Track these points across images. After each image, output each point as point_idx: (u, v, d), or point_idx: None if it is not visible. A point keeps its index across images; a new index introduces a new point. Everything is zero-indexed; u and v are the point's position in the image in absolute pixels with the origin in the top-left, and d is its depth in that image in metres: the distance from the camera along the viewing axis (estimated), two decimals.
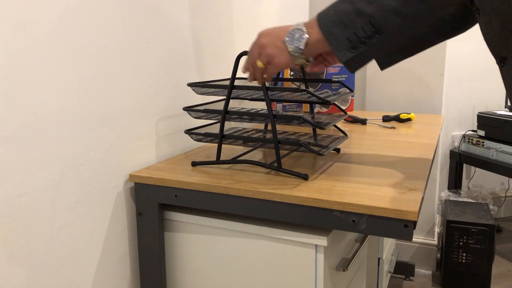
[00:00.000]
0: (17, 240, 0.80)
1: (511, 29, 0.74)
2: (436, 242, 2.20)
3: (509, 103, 2.55)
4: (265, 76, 0.92)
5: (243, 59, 1.58)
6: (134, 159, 1.07)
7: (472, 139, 2.44)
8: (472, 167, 2.85)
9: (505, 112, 2.34)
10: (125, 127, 1.04)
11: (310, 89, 0.99)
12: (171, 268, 1.07)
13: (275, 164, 0.99)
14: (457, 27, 1.06)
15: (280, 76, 1.55)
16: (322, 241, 0.87)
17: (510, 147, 2.21)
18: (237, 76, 1.44)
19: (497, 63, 0.80)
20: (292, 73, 1.70)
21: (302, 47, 0.83)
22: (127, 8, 1.01)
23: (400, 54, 1.10)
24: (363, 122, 1.65)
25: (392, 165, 1.05)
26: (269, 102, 0.96)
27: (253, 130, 1.24)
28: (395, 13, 0.74)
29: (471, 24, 1.07)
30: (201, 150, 1.25)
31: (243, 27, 1.54)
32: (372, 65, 2.18)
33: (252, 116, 1.00)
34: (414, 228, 0.77)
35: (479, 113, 2.40)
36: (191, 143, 1.29)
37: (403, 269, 2.16)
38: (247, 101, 1.52)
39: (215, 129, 1.14)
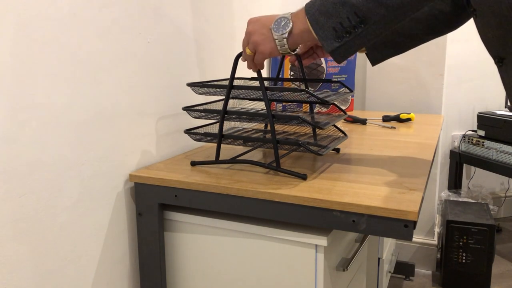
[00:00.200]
0: (17, 240, 0.80)
1: (508, 29, 0.75)
2: (436, 242, 2.20)
3: (509, 103, 2.55)
4: (255, 63, 0.94)
5: None
6: (134, 159, 1.07)
7: (472, 139, 2.44)
8: (472, 167, 2.85)
9: (505, 112, 2.34)
10: (125, 127, 1.04)
11: (310, 89, 0.99)
12: (171, 268, 1.07)
13: (274, 164, 0.99)
14: (449, 25, 1.07)
15: (280, 75, 1.55)
16: (322, 241, 0.87)
17: (510, 147, 2.21)
18: (236, 75, 1.44)
19: (495, 63, 0.81)
20: (292, 73, 1.70)
21: (286, 35, 0.85)
22: (127, 8, 1.01)
23: (391, 50, 1.11)
24: (363, 122, 1.65)
25: (392, 165, 1.05)
26: (268, 102, 0.96)
27: (252, 130, 1.24)
28: (379, 4, 0.75)
29: (463, 21, 1.08)
30: (201, 150, 1.25)
31: (243, 27, 1.54)
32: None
33: (251, 116, 1.01)
34: (414, 228, 0.77)
35: (479, 113, 2.40)
36: (191, 143, 1.29)
37: (403, 269, 2.16)
38: (247, 101, 1.52)
39: (215, 129, 1.14)
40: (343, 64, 1.74)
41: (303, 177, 0.95)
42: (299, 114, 1.01)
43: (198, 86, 1.05)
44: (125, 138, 1.04)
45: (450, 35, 2.18)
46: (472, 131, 2.58)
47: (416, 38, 1.08)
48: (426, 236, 2.21)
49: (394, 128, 1.56)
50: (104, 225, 0.99)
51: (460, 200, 2.30)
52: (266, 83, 1.51)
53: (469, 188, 2.82)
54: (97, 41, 0.94)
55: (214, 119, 1.08)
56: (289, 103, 1.68)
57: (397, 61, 2.13)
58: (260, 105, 1.62)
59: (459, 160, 2.51)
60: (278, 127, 1.44)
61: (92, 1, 0.92)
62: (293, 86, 1.59)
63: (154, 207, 1.01)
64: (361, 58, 2.30)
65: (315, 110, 1.74)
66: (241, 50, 1.55)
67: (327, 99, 0.96)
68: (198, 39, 1.30)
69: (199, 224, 1.00)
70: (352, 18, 0.77)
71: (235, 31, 1.50)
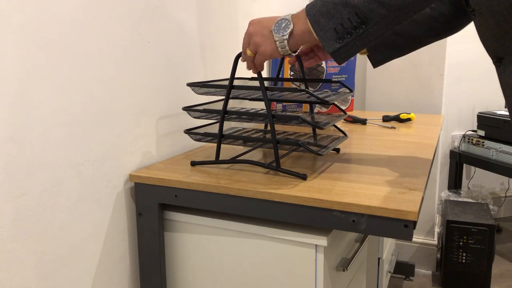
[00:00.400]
0: (17, 240, 0.80)
1: (507, 29, 0.75)
2: (436, 242, 2.20)
3: None
4: (256, 64, 0.94)
5: None
6: (134, 159, 1.07)
7: (472, 139, 2.44)
8: (472, 167, 2.85)
9: (505, 112, 2.34)
10: (125, 127, 1.04)
11: (310, 89, 0.99)
12: (171, 268, 1.07)
13: (274, 164, 0.99)
14: (450, 27, 1.07)
15: (280, 76, 1.55)
16: (322, 241, 0.87)
17: (510, 147, 2.21)
18: (236, 75, 1.44)
19: (494, 63, 0.81)
20: (292, 73, 1.70)
21: (287, 36, 0.85)
22: (127, 8, 1.01)
23: (392, 52, 1.11)
24: (363, 122, 1.65)
25: (392, 165, 1.05)
26: (268, 102, 0.96)
27: (253, 130, 1.24)
28: (380, 4, 0.75)
29: (465, 24, 1.08)
30: (201, 150, 1.25)
31: (243, 27, 1.54)
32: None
33: (251, 116, 1.01)
34: (414, 228, 0.77)
35: (479, 113, 2.40)
36: (191, 143, 1.29)
37: (403, 269, 2.16)
38: (247, 101, 1.52)
39: (215, 129, 1.14)
40: (343, 64, 1.74)
41: (303, 177, 0.95)
42: (299, 114, 1.01)
43: (198, 86, 1.05)
44: (125, 138, 1.04)
45: None
46: (472, 131, 2.58)
47: (417, 40, 1.08)
48: (426, 236, 2.21)
49: (394, 128, 1.56)
50: (104, 225, 0.99)
51: (460, 200, 2.30)
52: (266, 83, 1.51)
53: (469, 188, 2.82)
54: (97, 41, 0.94)
55: (214, 119, 1.08)
56: (289, 103, 1.68)
57: (397, 61, 2.13)
58: (260, 105, 1.62)
59: (459, 160, 2.51)
60: (278, 127, 1.44)
61: (93, 1, 0.92)
62: (293, 86, 1.59)
63: (154, 207, 1.01)
64: (361, 58, 2.31)
65: (315, 110, 1.74)
66: (240, 50, 1.55)
67: (327, 99, 0.96)
68: (198, 39, 1.30)
69: (199, 224, 1.00)
70: (353, 19, 0.77)
71: (236, 31, 1.50)
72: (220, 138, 1.03)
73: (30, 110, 0.81)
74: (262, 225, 0.93)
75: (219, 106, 1.14)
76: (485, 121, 2.35)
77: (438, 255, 2.23)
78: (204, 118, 1.07)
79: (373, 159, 1.10)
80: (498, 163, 2.26)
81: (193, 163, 1.08)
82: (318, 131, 1.33)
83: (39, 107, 0.82)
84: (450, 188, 2.58)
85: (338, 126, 1.53)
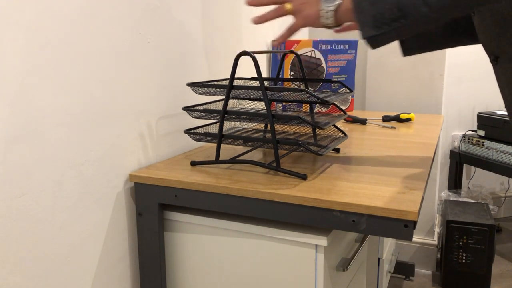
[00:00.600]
0: (17, 240, 0.80)
1: (504, 28, 0.75)
2: (436, 242, 2.20)
3: None
4: (291, 28, 0.91)
5: (242, 59, 1.58)
6: (134, 159, 1.07)
7: (472, 139, 2.44)
8: (472, 167, 2.85)
9: (505, 112, 2.34)
10: (125, 127, 1.04)
11: (310, 89, 0.99)
12: (171, 268, 1.07)
13: (274, 164, 0.99)
14: (466, 32, 1.05)
15: (280, 75, 1.55)
16: (322, 241, 0.87)
17: (510, 147, 2.21)
18: (236, 75, 1.44)
19: (491, 61, 0.81)
20: (292, 73, 1.70)
21: (333, 8, 0.84)
22: (127, 8, 1.01)
23: (429, 44, 1.07)
24: (363, 122, 1.65)
25: (392, 165, 1.05)
26: (268, 102, 0.96)
27: (253, 130, 1.24)
28: (423, 2, 0.74)
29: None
30: (201, 150, 1.25)
31: (243, 27, 1.54)
32: (372, 65, 2.18)
33: (251, 116, 1.01)
34: (414, 228, 0.77)
35: (479, 113, 2.40)
36: (191, 143, 1.29)
37: (403, 269, 2.16)
38: (247, 101, 1.52)
39: (215, 129, 1.14)
40: (343, 64, 1.74)
41: (303, 177, 0.95)
42: (299, 114, 1.01)
43: (198, 86, 1.05)
44: (125, 138, 1.04)
45: None
46: (472, 131, 2.58)
47: (456, 40, 1.06)
48: (426, 236, 2.21)
49: (394, 128, 1.56)
50: (104, 225, 0.99)
51: (460, 200, 2.30)
52: (266, 83, 1.51)
53: (469, 188, 2.82)
54: (97, 41, 0.94)
55: (214, 119, 1.08)
56: (289, 103, 1.68)
57: (397, 61, 2.13)
58: (260, 105, 1.62)
59: (459, 160, 2.51)
60: (278, 127, 1.44)
61: (93, 1, 0.92)
62: (293, 86, 1.59)
63: (154, 207, 1.01)
64: (361, 58, 2.31)
65: (315, 110, 1.74)
66: (240, 50, 1.55)
67: (327, 99, 0.96)
68: (198, 39, 1.30)
69: (199, 224, 1.00)
70: (394, 11, 0.76)
71: (235, 31, 1.50)
72: (220, 138, 1.03)
73: (30, 110, 0.81)
74: (262, 225, 0.93)
75: (219, 106, 1.14)
76: (485, 121, 2.35)
77: (438, 255, 2.23)
78: (204, 118, 1.07)
79: (373, 159, 1.10)
80: (498, 163, 2.26)
81: (193, 163, 1.08)
82: (318, 131, 1.33)
83: (39, 107, 0.82)
84: (450, 188, 2.58)
85: (338, 126, 1.53)
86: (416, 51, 1.09)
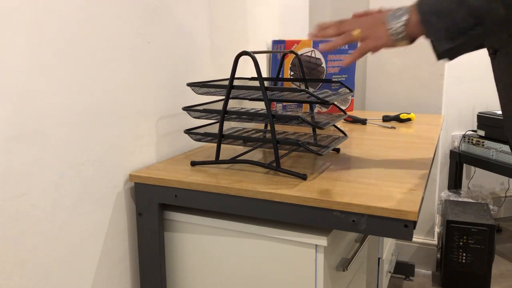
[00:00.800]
0: (17, 240, 0.80)
1: None
2: (436, 242, 2.20)
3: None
4: (363, 49, 0.87)
5: (242, 59, 1.58)
6: (134, 159, 1.07)
7: (472, 139, 2.44)
8: (472, 167, 2.85)
9: None
10: (125, 127, 1.04)
11: (310, 89, 0.99)
12: (171, 268, 1.07)
13: (274, 164, 0.99)
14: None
15: (280, 75, 1.55)
16: (322, 241, 0.87)
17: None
18: (236, 75, 1.44)
19: (489, 54, 0.80)
20: (292, 73, 1.70)
21: (401, 24, 0.80)
22: (127, 8, 1.01)
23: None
24: (363, 122, 1.65)
25: (392, 165, 1.05)
26: (268, 102, 0.96)
27: (253, 130, 1.24)
28: (502, 3, 0.70)
29: None
30: (201, 150, 1.25)
31: (243, 28, 1.54)
32: (372, 65, 2.18)
33: (251, 116, 1.01)
34: (414, 228, 0.77)
35: (479, 113, 2.40)
36: (191, 143, 1.29)
37: (403, 269, 2.16)
38: (247, 101, 1.52)
39: (215, 129, 1.14)
40: (343, 64, 1.74)
41: (303, 177, 0.95)
42: (299, 114, 1.01)
43: (198, 86, 1.05)
44: (125, 138, 1.04)
45: None
46: (472, 131, 2.58)
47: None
48: (426, 236, 2.21)
49: (394, 128, 1.56)
50: (104, 225, 0.99)
51: (460, 200, 2.30)
52: (266, 83, 1.51)
53: (469, 188, 2.82)
54: (97, 41, 0.94)
55: (214, 119, 1.08)
56: (289, 103, 1.68)
57: (397, 61, 2.13)
58: (260, 105, 1.62)
59: (459, 160, 2.51)
60: (278, 127, 1.44)
61: (92, 1, 0.92)
62: (293, 86, 1.59)
63: (154, 207, 1.01)
64: (361, 58, 2.30)
65: (315, 110, 1.74)
66: (240, 50, 1.55)
67: (327, 99, 0.96)
68: (198, 39, 1.30)
69: (199, 224, 1.00)
70: (469, 19, 0.72)
71: (235, 31, 1.50)
72: (220, 138, 1.03)
73: (30, 110, 0.81)
74: (262, 225, 0.93)
75: (219, 106, 1.14)
76: (485, 121, 2.35)
77: (438, 255, 2.23)
78: (204, 118, 1.07)
79: (373, 159, 1.10)
80: (498, 163, 2.26)
81: (193, 163, 1.08)
82: (318, 131, 1.33)
83: (39, 107, 0.82)
84: (450, 188, 2.58)
85: (338, 126, 1.54)
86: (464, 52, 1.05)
